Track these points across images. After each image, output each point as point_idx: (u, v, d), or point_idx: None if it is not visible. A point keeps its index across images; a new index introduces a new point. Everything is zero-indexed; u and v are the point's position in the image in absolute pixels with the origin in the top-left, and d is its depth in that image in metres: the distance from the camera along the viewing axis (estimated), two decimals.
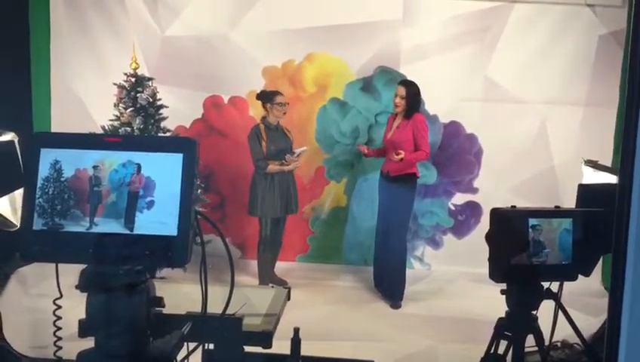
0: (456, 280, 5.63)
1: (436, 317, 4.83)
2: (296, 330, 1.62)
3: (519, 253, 1.73)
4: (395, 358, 4.02)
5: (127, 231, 1.18)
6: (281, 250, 5.41)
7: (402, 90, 4.83)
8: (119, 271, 1.18)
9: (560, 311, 1.92)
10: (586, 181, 3.29)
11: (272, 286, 1.73)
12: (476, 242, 5.72)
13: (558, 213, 1.81)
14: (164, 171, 1.20)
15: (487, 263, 1.88)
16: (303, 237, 6.02)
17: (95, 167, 1.18)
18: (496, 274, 1.84)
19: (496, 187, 5.76)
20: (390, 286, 5.05)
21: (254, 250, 5.25)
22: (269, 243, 5.13)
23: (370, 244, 5.49)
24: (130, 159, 1.19)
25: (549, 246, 1.79)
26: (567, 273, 1.83)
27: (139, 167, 1.19)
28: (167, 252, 1.18)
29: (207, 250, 5.17)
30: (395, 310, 4.95)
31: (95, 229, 1.17)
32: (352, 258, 5.94)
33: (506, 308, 1.92)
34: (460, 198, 5.92)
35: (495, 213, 1.83)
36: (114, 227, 1.17)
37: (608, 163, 5.33)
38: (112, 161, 1.19)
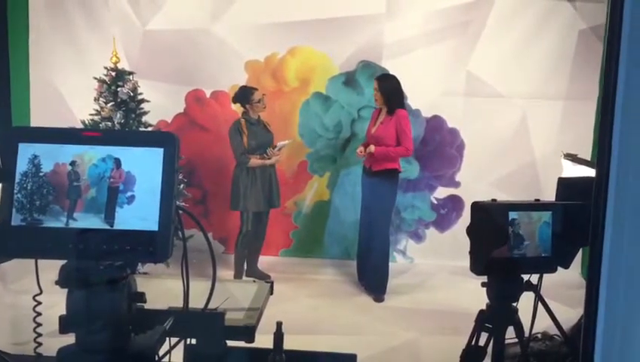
0: (438, 273, 5.67)
1: (419, 309, 4.86)
2: (279, 324, 1.63)
3: (499, 246, 1.75)
4: (378, 351, 4.04)
5: (108, 227, 1.17)
6: (264, 245, 5.40)
7: (376, 85, 4.85)
8: (100, 266, 1.17)
9: (540, 303, 1.95)
10: (565, 174, 3.32)
11: (255, 281, 1.72)
12: (458, 235, 5.79)
13: (537, 206, 1.83)
14: (144, 166, 1.19)
15: (469, 256, 1.90)
16: (285, 231, 6.02)
17: (74, 162, 1.17)
18: (477, 267, 1.86)
19: (478, 181, 5.81)
20: (373, 280, 5.08)
21: None
22: (252, 238, 5.13)
23: (353, 238, 5.51)
24: (109, 154, 1.18)
25: (528, 238, 1.81)
26: (546, 265, 1.85)
27: (118, 161, 1.18)
28: (149, 247, 1.17)
29: (189, 245, 5.13)
30: (378, 303, 4.98)
31: (74, 225, 1.16)
32: (335, 252, 5.96)
33: (487, 301, 1.95)
34: (442, 192, 5.96)
35: (475, 207, 1.85)
36: (94, 222, 1.16)
37: (588, 156, 5.41)
38: (91, 155, 1.18)
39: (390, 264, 5.46)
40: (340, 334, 4.28)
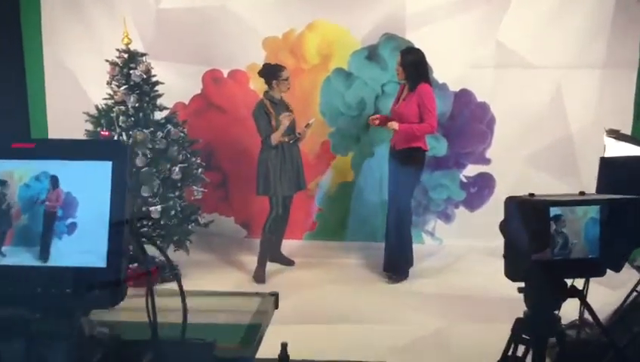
0: (468, 254, 5.44)
1: (449, 295, 4.64)
2: (284, 346, 1.42)
3: (540, 248, 1.52)
4: (405, 341, 3.85)
5: (42, 263, 0.94)
6: (287, 228, 5.23)
7: (399, 59, 4.59)
8: (35, 314, 0.94)
9: (586, 310, 1.72)
10: (608, 153, 3.04)
11: (258, 294, 1.50)
12: (489, 215, 5.53)
13: (583, 200, 1.59)
14: (88, 185, 0.96)
15: (503, 260, 1.67)
16: (309, 214, 5.83)
17: (1, 182, 0.95)
18: (513, 273, 1.63)
19: (509, 157, 5.53)
20: (393, 263, 4.86)
21: (260, 228, 5.03)
22: (280, 222, 4.95)
23: (379, 220, 5.30)
24: (44, 170, 0.95)
25: (573, 238, 1.57)
26: (594, 268, 1.60)
27: (55, 180, 0.96)
28: (94, 289, 0.93)
29: (210, 229, 4.92)
30: (396, 285, 4.76)
31: (3, 261, 0.95)
32: (360, 234, 5.76)
33: (524, 308, 1.72)
34: (471, 170, 5.68)
35: (511, 203, 1.60)
36: (26, 258, 0.94)
37: (628, 130, 5.08)
38: (22, 172, 0.96)
39: (418, 246, 5.27)
40: (365, 323, 4.10)
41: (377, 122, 4.76)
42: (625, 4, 5.16)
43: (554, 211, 1.52)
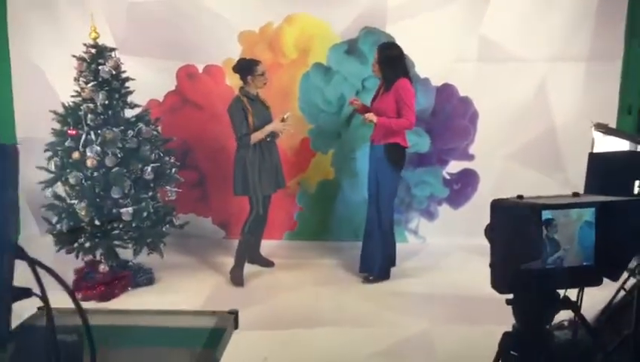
0: (453, 252, 5.31)
1: (433, 295, 4.51)
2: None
3: (532, 256, 1.37)
4: (388, 344, 3.71)
5: None
6: (265, 228, 5.06)
7: (376, 55, 4.44)
8: None
9: (581, 323, 1.57)
10: (597, 148, 2.91)
11: (215, 313, 1.32)
12: (473, 212, 5.42)
13: (577, 202, 1.43)
14: None
15: (490, 270, 1.51)
16: (289, 213, 5.67)
17: None
18: (500, 283, 1.47)
19: (493, 153, 5.41)
20: (369, 263, 4.71)
21: (239, 228, 4.84)
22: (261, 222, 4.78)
23: (361, 218, 5.15)
24: None
25: (566, 244, 1.42)
26: (589, 277, 1.45)
27: None
28: None
29: (187, 230, 4.74)
30: (377, 284, 4.62)
31: None
32: (341, 233, 5.61)
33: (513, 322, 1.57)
34: (454, 166, 5.55)
35: (497, 207, 1.44)
36: None
37: (613, 123, 4.98)
38: None
39: (402, 245, 5.13)
40: (347, 326, 3.96)
41: (357, 103, 4.60)
42: None
43: (545, 215, 1.37)
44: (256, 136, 4.49)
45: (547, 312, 1.52)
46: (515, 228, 1.42)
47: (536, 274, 1.40)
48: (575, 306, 1.54)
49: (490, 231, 1.50)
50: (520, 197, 1.47)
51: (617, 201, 1.41)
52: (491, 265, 1.50)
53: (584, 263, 1.46)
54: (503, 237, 1.44)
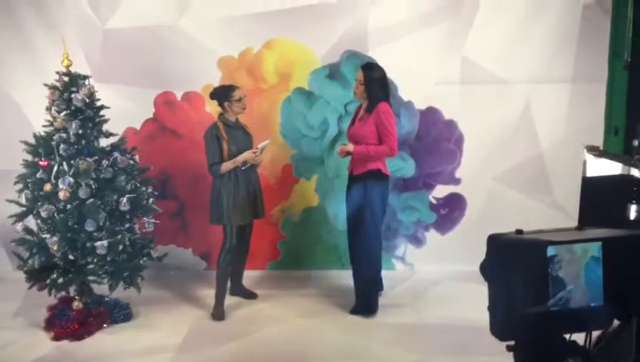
0: (442, 280, 5.17)
1: (422, 325, 4.34)
2: None
3: (533, 297, 1.23)
4: None
5: None
6: (248, 258, 4.88)
7: (360, 75, 4.28)
8: None
9: None
10: (589, 171, 2.80)
11: None
12: (461, 237, 5.30)
13: (584, 237, 1.29)
14: None
15: (487, 312, 1.37)
16: (273, 242, 5.50)
17: None
18: (501, 329, 1.32)
19: (480, 176, 5.30)
20: (359, 298, 4.53)
21: None
22: (236, 253, 4.59)
23: (347, 246, 5.00)
24: None
25: (571, 282, 1.28)
26: (597, 318, 1.31)
27: None
28: None
29: (166, 263, 4.58)
30: (371, 319, 4.44)
31: None
32: (327, 262, 5.44)
33: None
34: (441, 191, 5.42)
35: (495, 242, 1.30)
36: None
37: (600, 144, 4.91)
38: None
39: (389, 272, 5.00)
40: (334, 360, 3.78)
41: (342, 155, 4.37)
42: (591, 15, 5.01)
43: (550, 251, 1.23)
44: (226, 166, 4.35)
45: (553, 359, 1.38)
46: (517, 267, 1.28)
47: (540, 318, 1.26)
48: (585, 353, 1.40)
49: (487, 270, 1.35)
50: (519, 231, 1.33)
51: (627, 235, 1.28)
52: (490, 308, 1.35)
53: (591, 304, 1.32)
54: (502, 276, 1.30)
